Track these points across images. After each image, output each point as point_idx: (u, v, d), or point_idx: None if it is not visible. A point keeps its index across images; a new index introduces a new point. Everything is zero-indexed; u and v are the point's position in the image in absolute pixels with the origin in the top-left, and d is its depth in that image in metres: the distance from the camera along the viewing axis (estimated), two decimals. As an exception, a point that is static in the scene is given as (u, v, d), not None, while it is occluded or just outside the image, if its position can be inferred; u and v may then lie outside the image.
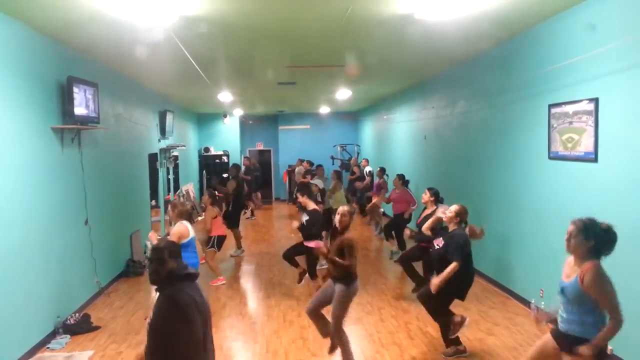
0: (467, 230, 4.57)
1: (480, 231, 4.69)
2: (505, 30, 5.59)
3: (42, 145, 5.09)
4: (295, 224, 6.39)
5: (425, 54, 6.68)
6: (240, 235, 9.14)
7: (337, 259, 4.03)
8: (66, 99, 5.42)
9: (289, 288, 6.81)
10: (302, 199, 6.47)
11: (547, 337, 3.05)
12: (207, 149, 16.18)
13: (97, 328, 5.38)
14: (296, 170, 14.25)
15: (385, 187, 10.19)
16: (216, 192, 7.85)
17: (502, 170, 6.25)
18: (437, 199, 5.96)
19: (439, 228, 5.11)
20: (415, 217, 7.01)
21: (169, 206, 5.49)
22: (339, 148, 16.83)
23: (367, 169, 12.83)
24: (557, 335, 2.94)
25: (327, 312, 4.34)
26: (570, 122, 4.71)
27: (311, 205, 6.39)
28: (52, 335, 5.09)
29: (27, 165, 4.79)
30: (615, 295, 2.69)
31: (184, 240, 4.97)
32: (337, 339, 3.99)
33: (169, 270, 2.51)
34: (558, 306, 2.98)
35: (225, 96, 10.97)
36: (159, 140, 10.23)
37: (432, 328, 5.11)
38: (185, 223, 5.18)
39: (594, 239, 2.73)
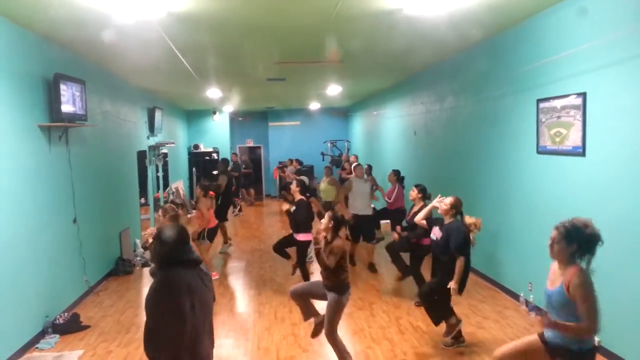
0: (464, 221, 4.58)
1: (478, 222, 4.69)
2: (493, 26, 5.61)
3: (29, 143, 5.02)
4: (286, 206, 6.75)
5: (414, 48, 6.69)
6: (226, 229, 9.13)
7: (322, 253, 4.07)
8: (53, 97, 5.34)
9: (280, 285, 6.81)
10: (293, 188, 6.74)
11: (534, 339, 3.01)
12: (196, 146, 16.08)
13: (86, 327, 5.33)
14: (288, 169, 14.29)
15: (375, 184, 10.15)
16: (210, 191, 7.72)
17: (491, 164, 6.30)
18: (425, 196, 5.98)
19: (432, 218, 5.15)
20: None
21: (160, 211, 5.40)
22: (329, 144, 16.82)
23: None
24: (545, 340, 2.91)
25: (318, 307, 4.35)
26: (559, 117, 4.75)
27: (298, 196, 6.64)
28: (41, 335, 5.04)
29: (14, 164, 4.72)
30: (596, 302, 2.65)
31: None
32: (332, 344, 4.07)
33: (167, 252, 2.54)
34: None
35: (214, 92, 10.91)
36: (148, 138, 10.15)
37: (423, 323, 5.15)
38: None
39: (577, 243, 2.70)
